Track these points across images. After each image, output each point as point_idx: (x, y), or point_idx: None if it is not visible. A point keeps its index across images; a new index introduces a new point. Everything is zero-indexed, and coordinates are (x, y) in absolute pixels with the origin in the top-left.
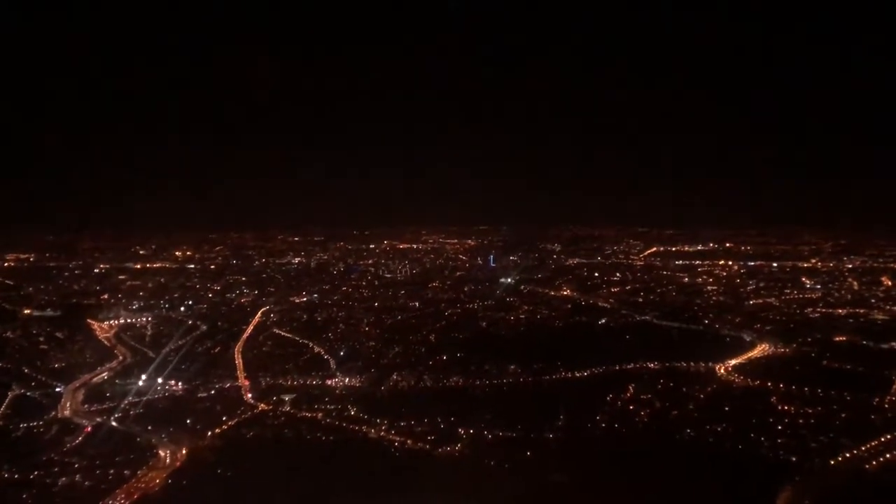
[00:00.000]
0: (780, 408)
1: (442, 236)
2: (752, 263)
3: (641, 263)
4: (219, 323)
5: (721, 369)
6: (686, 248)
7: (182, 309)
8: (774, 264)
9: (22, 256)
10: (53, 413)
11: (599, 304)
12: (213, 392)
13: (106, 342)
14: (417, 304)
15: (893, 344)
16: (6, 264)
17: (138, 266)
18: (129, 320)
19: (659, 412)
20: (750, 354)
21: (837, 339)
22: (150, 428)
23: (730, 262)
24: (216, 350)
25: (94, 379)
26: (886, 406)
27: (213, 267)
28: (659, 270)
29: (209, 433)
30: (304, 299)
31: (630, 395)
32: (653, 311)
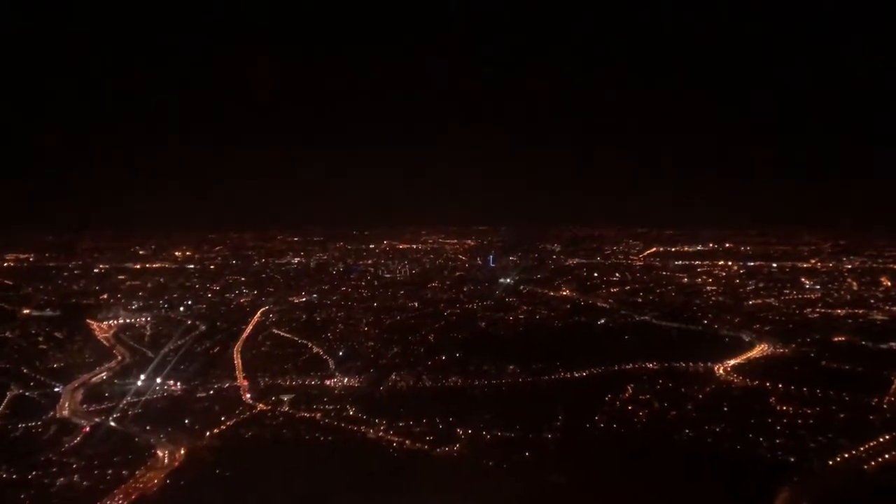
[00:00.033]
0: (778, 408)
1: (441, 236)
2: (752, 264)
3: (641, 264)
4: (218, 323)
5: (720, 370)
6: (686, 249)
7: (181, 309)
8: (774, 264)
9: (21, 256)
10: (52, 413)
11: (599, 304)
12: (211, 392)
13: (105, 342)
14: (417, 304)
15: (892, 344)
16: (6, 264)
17: (138, 266)
18: (128, 320)
19: (658, 412)
20: (749, 355)
21: (836, 339)
22: (148, 428)
23: (729, 263)
24: (215, 350)
25: (93, 379)
26: (885, 406)
27: (212, 267)
28: (658, 271)
29: (207, 433)
30: (304, 299)
31: (629, 395)
32: (652, 311)
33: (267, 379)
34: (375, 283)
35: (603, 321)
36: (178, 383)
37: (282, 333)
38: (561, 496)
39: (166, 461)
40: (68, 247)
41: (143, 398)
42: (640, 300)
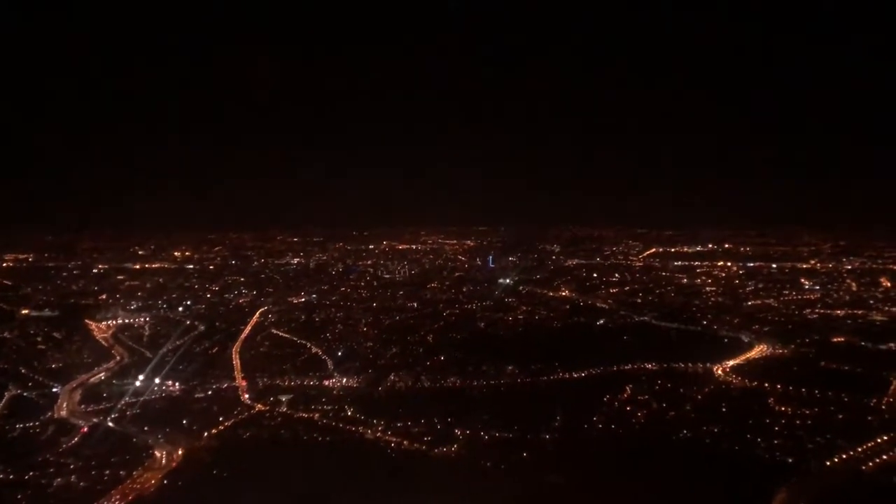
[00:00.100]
0: (777, 409)
1: (441, 237)
2: (751, 264)
3: (640, 264)
4: (217, 323)
5: (719, 370)
6: (685, 249)
7: (180, 309)
8: (773, 265)
9: (21, 256)
10: (50, 413)
11: (598, 304)
12: (210, 392)
13: (103, 342)
14: (416, 304)
15: (891, 345)
16: (5, 264)
17: (137, 266)
18: (126, 321)
19: (656, 413)
20: (748, 355)
21: (835, 340)
22: (146, 428)
23: (729, 263)
24: (214, 350)
25: (91, 379)
26: (884, 407)
27: (211, 267)
28: (658, 271)
29: (206, 434)
30: (303, 300)
31: (627, 395)
32: (651, 311)
33: (265, 379)
34: (375, 283)
35: (602, 322)
36: (177, 384)
37: (281, 334)
38: (559, 497)
39: (164, 462)
40: (68, 247)
41: (142, 398)
42: (639, 301)
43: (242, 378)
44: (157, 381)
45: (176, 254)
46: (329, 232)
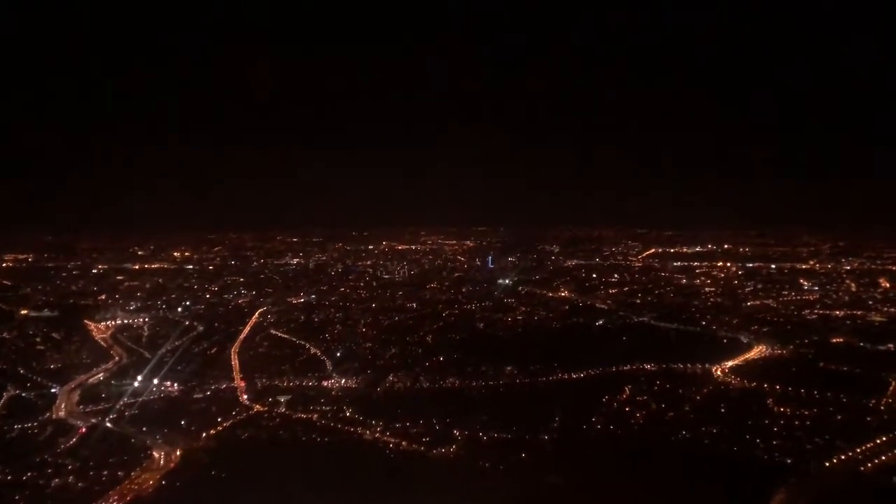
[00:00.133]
0: (776, 409)
1: (441, 237)
2: (751, 265)
3: (640, 265)
4: (216, 324)
5: (718, 371)
6: (685, 250)
7: (179, 310)
8: (773, 266)
9: (20, 257)
10: (48, 414)
11: (597, 305)
12: (208, 393)
13: (102, 343)
14: (415, 305)
15: (890, 346)
16: (4, 264)
17: (136, 267)
18: (126, 321)
19: (655, 413)
20: (747, 356)
21: (834, 340)
22: (144, 429)
23: (728, 264)
24: (212, 351)
25: (90, 380)
26: (882, 408)
27: (211, 268)
28: (657, 272)
29: (204, 434)
30: (302, 300)
31: (626, 396)
32: (650, 312)
33: (264, 380)
34: (374, 283)
35: (601, 322)
36: (175, 384)
37: (280, 334)
38: (558, 497)
39: (162, 462)
40: (67, 247)
41: (140, 399)
42: (638, 301)
43: (241, 379)
44: (155, 381)
45: (175, 254)
46: (329, 232)
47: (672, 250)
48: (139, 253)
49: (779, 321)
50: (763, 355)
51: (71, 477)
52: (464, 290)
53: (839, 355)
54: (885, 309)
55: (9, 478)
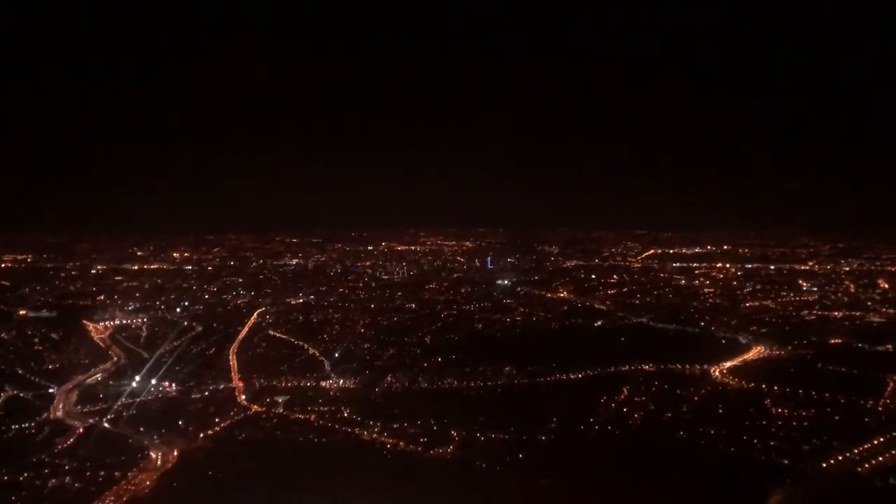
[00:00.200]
0: (774, 410)
1: (440, 238)
2: (750, 266)
3: (639, 265)
4: (214, 324)
5: (716, 371)
6: (684, 251)
7: (178, 310)
8: (771, 267)
9: (20, 257)
10: (46, 414)
11: (596, 306)
12: (206, 393)
13: (101, 343)
14: (414, 305)
15: (889, 346)
16: (3, 265)
17: (135, 267)
18: (124, 321)
19: (653, 414)
20: (745, 357)
21: (833, 341)
22: (142, 429)
23: (727, 265)
24: (211, 351)
25: (88, 380)
26: (880, 409)
27: (210, 268)
28: (656, 273)
29: (201, 435)
30: (301, 301)
31: (624, 396)
32: (649, 313)
33: (262, 380)
34: (373, 284)
35: (600, 323)
36: (173, 385)
37: (278, 335)
38: (556, 498)
39: (159, 463)
40: (66, 248)
41: (138, 399)
42: (637, 302)
43: (239, 379)
44: (153, 382)
45: (175, 255)
46: (328, 233)
47: (671, 251)
48: (138, 253)
49: (777, 322)
50: (761, 356)
51: (68, 477)
52: (463, 290)
53: (837, 356)
54: (884, 310)
55: (5, 478)
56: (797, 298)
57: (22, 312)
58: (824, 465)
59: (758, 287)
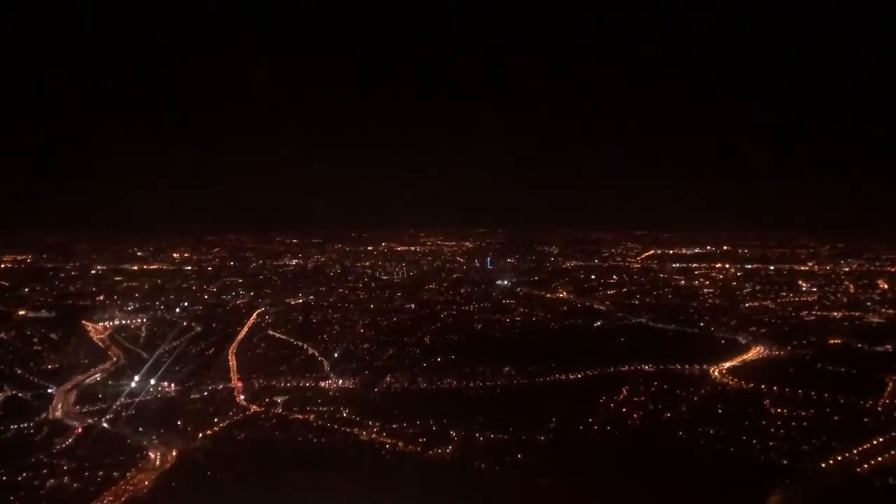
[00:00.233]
0: (772, 410)
1: (440, 238)
2: (749, 266)
3: (638, 266)
4: (213, 324)
5: (715, 372)
6: (684, 251)
7: (177, 310)
8: (771, 267)
9: (19, 257)
10: (44, 414)
11: (595, 306)
12: (205, 394)
13: (100, 343)
14: (413, 306)
15: (888, 347)
16: (3, 265)
17: (135, 268)
18: (123, 322)
19: (652, 414)
20: (744, 357)
21: (832, 342)
22: (141, 429)
23: (727, 265)
24: (210, 351)
25: (87, 380)
26: (880, 409)
27: (209, 269)
28: (656, 273)
29: (200, 435)
30: (300, 301)
31: (623, 397)
32: (648, 313)
33: (261, 380)
34: (373, 284)
35: (599, 323)
36: (172, 385)
37: (277, 335)
38: (554, 498)
39: (158, 463)
40: (66, 248)
41: (137, 399)
42: (636, 302)
43: (238, 379)
44: (152, 382)
45: (174, 255)
46: (328, 233)
47: (671, 252)
48: (138, 254)
49: (777, 322)
50: (761, 356)
51: (66, 477)
52: (462, 291)
53: (837, 356)
54: (883, 310)
55: (4, 478)
56: (797, 299)
57: (21, 313)
58: (823, 465)
59: (757, 287)
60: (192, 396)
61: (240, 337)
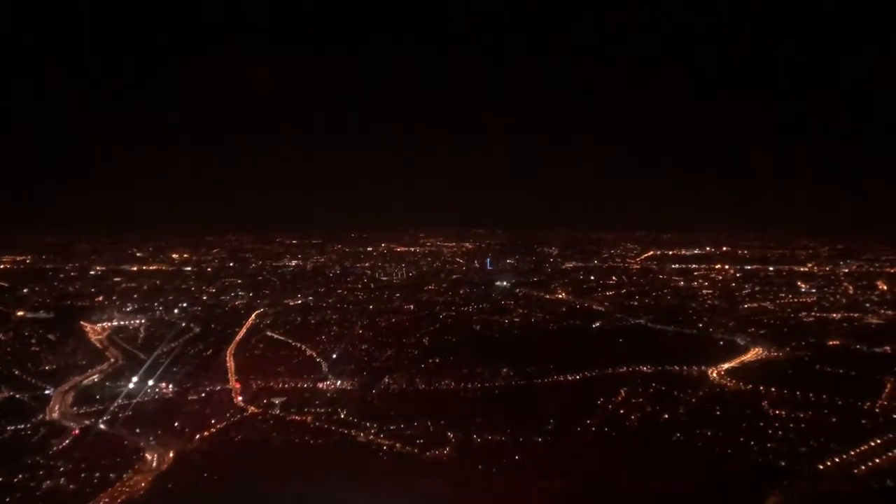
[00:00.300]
0: (771, 412)
1: (440, 239)
2: (749, 267)
3: (638, 267)
4: (212, 325)
5: (714, 373)
6: (683, 252)
7: (176, 311)
8: (770, 268)
9: (18, 258)
10: (42, 416)
11: (594, 307)
12: (203, 395)
13: (98, 344)
14: (412, 306)
15: (887, 348)
16: (2, 266)
17: (134, 268)
18: (122, 322)
19: (650, 415)
20: (743, 358)
21: (831, 343)
22: (138, 431)
23: (726, 266)
24: (208, 353)
25: (85, 381)
26: (878, 410)
27: (209, 269)
28: (655, 274)
29: (197, 436)
30: (299, 302)
31: (622, 398)
32: (647, 314)
33: (259, 382)
34: (372, 285)
35: (598, 324)
36: (170, 386)
37: (276, 336)
38: (553, 499)
39: (154, 464)
40: (65, 248)
41: (134, 401)
42: (635, 303)
43: (236, 380)
44: (150, 383)
45: (174, 256)
46: (328, 234)
47: (670, 253)
48: (137, 254)
49: (776, 323)
50: (759, 357)
51: (62, 479)
52: (461, 291)
53: (836, 358)
54: (882, 311)
55: (0, 479)
56: (796, 300)
57: (20, 313)
58: (821, 466)
59: (756, 288)
60: (189, 398)
61: (238, 338)
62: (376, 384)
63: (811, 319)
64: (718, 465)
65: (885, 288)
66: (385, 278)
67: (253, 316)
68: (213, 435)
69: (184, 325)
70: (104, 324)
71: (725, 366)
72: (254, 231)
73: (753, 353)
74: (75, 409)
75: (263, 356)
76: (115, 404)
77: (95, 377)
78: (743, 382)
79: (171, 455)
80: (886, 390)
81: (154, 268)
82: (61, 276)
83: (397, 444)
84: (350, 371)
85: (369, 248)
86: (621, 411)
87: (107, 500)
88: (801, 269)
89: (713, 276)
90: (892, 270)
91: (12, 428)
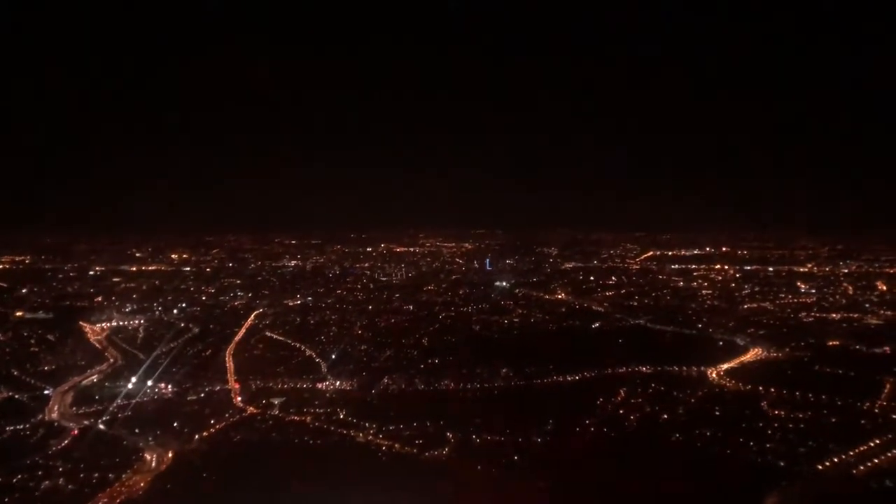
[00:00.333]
0: (770, 412)
1: (439, 239)
2: (749, 268)
3: (637, 267)
4: (211, 326)
5: (713, 373)
6: (683, 253)
7: (175, 311)
8: (770, 269)
9: (18, 258)
10: (41, 416)
11: (594, 307)
12: (202, 395)
13: (97, 344)
14: (411, 307)
15: (886, 348)
16: (1, 266)
17: (134, 269)
18: (121, 323)
19: (649, 416)
20: (742, 358)
21: (830, 343)
22: (137, 431)
23: (726, 267)
24: (207, 353)
25: (84, 381)
26: (877, 411)
27: (208, 270)
28: (655, 274)
29: (196, 436)
30: (298, 302)
31: (621, 398)
32: (647, 315)
33: (258, 382)
34: (371, 286)
35: (597, 325)
36: (169, 386)
37: (275, 336)
38: (552, 499)
39: (153, 464)
40: (65, 249)
41: (133, 401)
42: (635, 304)
43: (235, 381)
44: (149, 383)
45: (173, 256)
46: (327, 234)
47: (670, 253)
48: (137, 255)
49: (775, 324)
50: (759, 358)
51: (61, 479)
52: (461, 292)
53: (835, 358)
54: (881, 312)
55: None
56: (795, 300)
57: (19, 314)
58: (820, 467)
59: (756, 289)
60: (188, 398)
61: (237, 338)
62: (375, 384)
63: (811, 320)
64: (718, 466)
65: (884, 288)
66: (384, 279)
67: (252, 316)
68: (213, 435)
69: (183, 325)
70: (103, 324)
71: (725, 366)
72: (253, 231)
73: (753, 354)
74: (74, 409)
75: (262, 356)
76: (115, 405)
77: (94, 377)
78: (742, 383)
79: (170, 455)
80: (886, 391)
81: (153, 268)
82: (60, 276)
83: (396, 445)
84: (349, 371)
85: (369, 249)
86: (620, 412)
87: (106, 500)
88: (801, 269)
89: (713, 276)
90: (892, 271)
91: (11, 428)
